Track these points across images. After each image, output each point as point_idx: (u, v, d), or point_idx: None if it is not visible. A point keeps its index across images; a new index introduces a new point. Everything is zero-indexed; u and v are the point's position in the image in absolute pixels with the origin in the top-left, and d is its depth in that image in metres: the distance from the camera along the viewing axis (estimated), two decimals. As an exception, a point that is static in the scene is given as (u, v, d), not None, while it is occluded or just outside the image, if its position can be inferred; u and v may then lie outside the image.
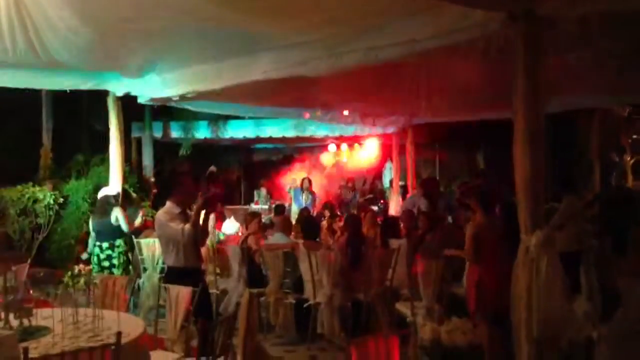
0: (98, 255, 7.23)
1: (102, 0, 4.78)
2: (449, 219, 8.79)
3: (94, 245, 7.36)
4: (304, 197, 11.78)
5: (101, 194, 7.74)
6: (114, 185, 8.01)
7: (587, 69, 7.04)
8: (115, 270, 7.11)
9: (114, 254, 7.21)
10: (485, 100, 8.51)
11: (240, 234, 8.83)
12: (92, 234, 7.54)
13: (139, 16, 4.98)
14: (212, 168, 16.09)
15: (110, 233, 7.25)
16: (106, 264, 7.17)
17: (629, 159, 12.37)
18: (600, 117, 12.53)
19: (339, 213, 10.73)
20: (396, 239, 7.17)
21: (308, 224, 7.34)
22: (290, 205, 11.94)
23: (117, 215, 7.25)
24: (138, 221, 7.89)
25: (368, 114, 10.79)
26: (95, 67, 7.00)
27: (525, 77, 3.87)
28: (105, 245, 7.23)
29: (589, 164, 12.72)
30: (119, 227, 7.26)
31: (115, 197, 7.65)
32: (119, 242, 7.24)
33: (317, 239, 7.04)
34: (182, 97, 7.46)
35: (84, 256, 7.85)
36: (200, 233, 5.25)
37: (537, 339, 3.78)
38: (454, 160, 15.91)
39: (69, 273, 3.93)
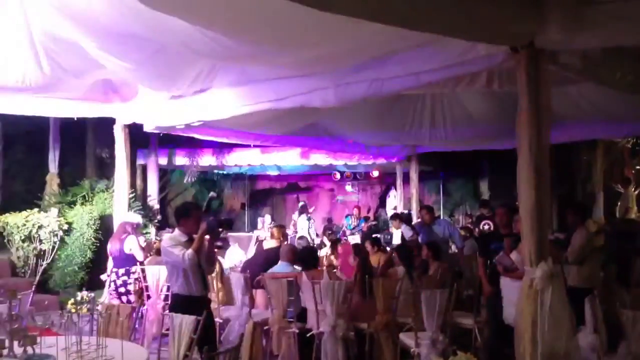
0: (115, 281, 7.27)
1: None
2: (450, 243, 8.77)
3: (111, 271, 7.39)
4: (309, 224, 11.83)
5: (121, 220, 7.78)
6: (129, 213, 8.08)
7: (590, 100, 7.12)
8: (131, 297, 7.15)
9: (130, 280, 7.23)
10: (490, 130, 8.57)
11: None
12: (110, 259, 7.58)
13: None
14: (212, 194, 16.04)
15: (127, 259, 7.30)
16: (122, 290, 7.23)
17: (633, 189, 12.35)
18: (604, 148, 12.55)
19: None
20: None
21: (304, 254, 7.05)
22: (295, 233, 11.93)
23: (131, 245, 7.31)
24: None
25: (373, 143, 10.87)
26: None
27: (529, 108, 3.90)
28: (121, 271, 7.28)
29: (592, 195, 12.70)
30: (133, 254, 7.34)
31: (133, 225, 7.69)
32: (134, 268, 7.27)
33: (317, 267, 6.92)
34: (188, 126, 7.53)
35: (103, 277, 7.84)
36: (205, 260, 5.23)
37: (541, 371, 3.73)
38: (457, 188, 15.92)
39: (72, 300, 3.94)
